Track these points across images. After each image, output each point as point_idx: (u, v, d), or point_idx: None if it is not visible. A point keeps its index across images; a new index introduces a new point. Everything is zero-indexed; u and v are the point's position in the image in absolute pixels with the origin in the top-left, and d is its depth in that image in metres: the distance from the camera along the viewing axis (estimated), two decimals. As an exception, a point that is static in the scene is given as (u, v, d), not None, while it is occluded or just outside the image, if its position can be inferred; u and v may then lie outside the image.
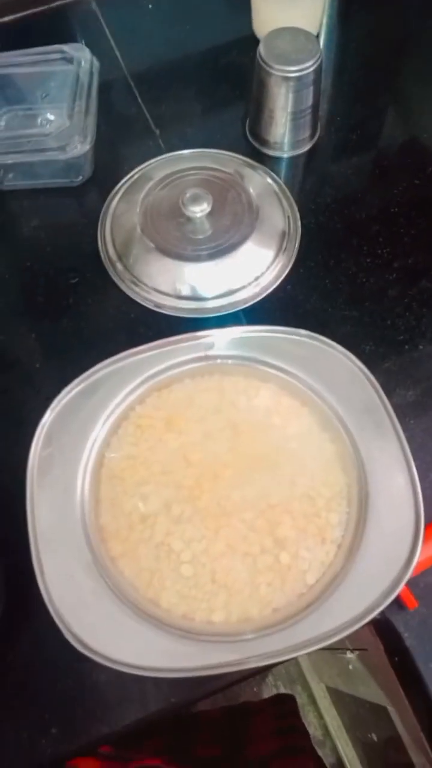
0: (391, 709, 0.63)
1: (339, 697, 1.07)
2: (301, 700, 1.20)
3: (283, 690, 1.25)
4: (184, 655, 0.38)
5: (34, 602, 0.39)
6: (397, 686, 0.51)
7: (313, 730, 1.20)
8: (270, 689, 1.24)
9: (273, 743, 0.52)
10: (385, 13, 0.75)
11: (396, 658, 0.47)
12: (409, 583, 0.44)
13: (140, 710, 0.42)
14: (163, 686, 0.43)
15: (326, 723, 1.16)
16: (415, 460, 0.44)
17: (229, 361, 0.48)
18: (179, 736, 0.54)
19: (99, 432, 0.45)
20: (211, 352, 0.48)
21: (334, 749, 1.14)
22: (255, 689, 1.25)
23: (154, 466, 0.44)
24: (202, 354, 0.47)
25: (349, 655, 0.68)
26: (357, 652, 0.66)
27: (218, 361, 0.48)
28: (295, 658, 1.21)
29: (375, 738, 0.83)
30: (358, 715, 0.92)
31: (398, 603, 0.44)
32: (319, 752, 1.16)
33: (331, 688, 1.10)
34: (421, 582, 0.45)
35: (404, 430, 0.45)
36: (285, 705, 0.61)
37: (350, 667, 0.72)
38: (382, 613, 0.44)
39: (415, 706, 0.49)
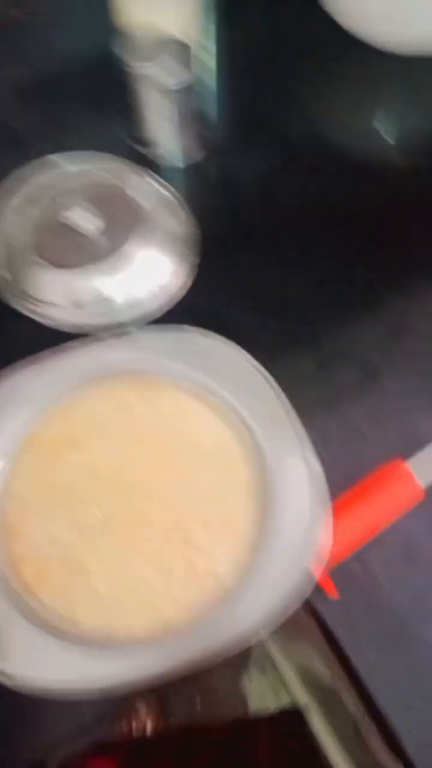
0: (338, 687, 0.65)
1: (306, 677, 1.10)
2: (272, 681, 1.23)
3: (255, 673, 1.27)
4: (107, 669, 0.38)
5: None
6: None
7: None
8: (241, 675, 1.26)
9: (282, 763, 0.53)
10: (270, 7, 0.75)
11: (326, 639, 0.48)
12: (332, 573, 0.45)
13: (74, 723, 0.43)
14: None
15: (299, 702, 1.19)
16: (316, 446, 0.46)
17: (127, 370, 0.48)
18: (184, 757, 0.54)
19: (3, 463, 0.44)
20: (108, 362, 0.48)
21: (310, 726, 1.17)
22: (227, 677, 1.26)
23: (60, 484, 0.45)
24: (98, 365, 0.48)
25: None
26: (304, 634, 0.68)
27: (115, 372, 0.48)
28: (260, 642, 1.24)
29: (338, 714, 0.85)
30: (322, 692, 0.95)
31: (322, 592, 0.45)
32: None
33: (299, 668, 1.12)
34: (345, 569, 0.46)
35: (305, 417, 0.47)
36: (294, 721, 0.61)
37: (301, 646, 0.74)
38: (307, 601, 0.46)
39: (351, 681, 0.51)
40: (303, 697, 1.08)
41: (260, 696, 1.20)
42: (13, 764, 0.43)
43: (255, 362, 0.47)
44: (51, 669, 0.39)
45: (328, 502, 0.44)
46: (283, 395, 0.46)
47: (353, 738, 0.70)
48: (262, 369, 0.47)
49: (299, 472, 0.44)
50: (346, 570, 0.46)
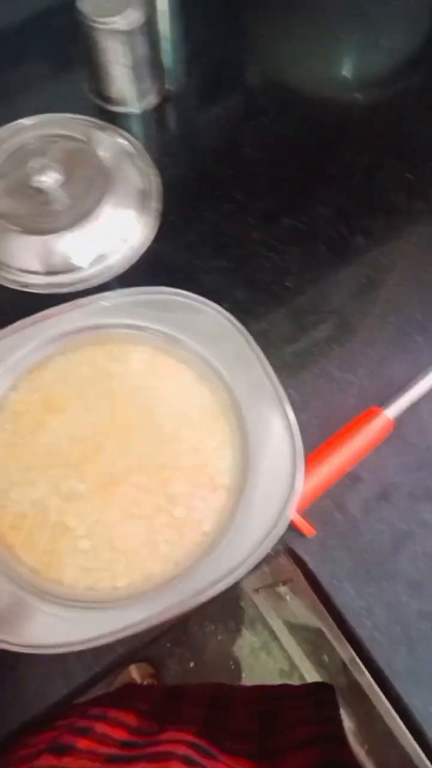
0: (324, 629, 0.67)
1: (295, 629, 1.13)
2: (263, 638, 1.26)
3: (246, 632, 1.30)
4: (91, 624, 0.39)
5: None
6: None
7: (280, 663, 1.26)
8: (233, 635, 1.29)
9: (309, 729, 0.53)
10: None
11: (309, 581, 0.49)
12: (305, 513, 0.46)
13: (64, 686, 0.43)
14: (85, 657, 0.43)
15: (289, 654, 1.22)
16: (290, 395, 0.46)
17: (99, 331, 0.47)
18: (214, 711, 0.54)
19: (-25, 427, 0.44)
20: (79, 325, 0.47)
21: (302, 677, 1.20)
22: (219, 637, 1.29)
23: (38, 449, 0.44)
24: (69, 328, 0.47)
25: (281, 587, 0.71)
26: (288, 584, 0.69)
27: (87, 332, 0.47)
28: (250, 601, 1.26)
29: (327, 659, 0.88)
30: (310, 640, 0.97)
31: (299, 532, 0.46)
32: (288, 681, 1.22)
33: (288, 621, 1.15)
34: (316, 508, 0.47)
35: (281, 368, 0.46)
36: (324, 694, 0.62)
37: (287, 598, 0.76)
38: (285, 543, 0.46)
39: (334, 619, 0.53)
40: (292, 646, 1.11)
41: (252, 653, 1.24)
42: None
43: (228, 315, 0.47)
44: (38, 629, 0.39)
45: (302, 451, 0.44)
46: (257, 346, 0.46)
47: (345, 679, 0.72)
48: (236, 322, 0.47)
49: (275, 422, 0.44)
50: (327, 514, 0.47)
